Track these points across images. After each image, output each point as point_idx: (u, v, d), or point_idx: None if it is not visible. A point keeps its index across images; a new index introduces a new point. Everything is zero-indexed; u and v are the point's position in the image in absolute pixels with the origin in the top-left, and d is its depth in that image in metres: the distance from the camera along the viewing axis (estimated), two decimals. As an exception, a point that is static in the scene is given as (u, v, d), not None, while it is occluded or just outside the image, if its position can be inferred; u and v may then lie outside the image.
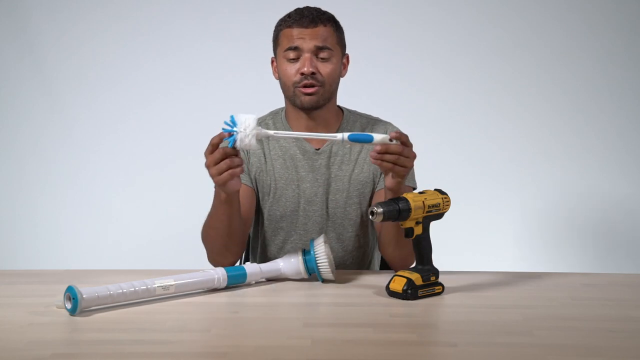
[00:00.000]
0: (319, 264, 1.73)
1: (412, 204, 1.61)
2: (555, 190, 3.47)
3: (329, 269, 1.73)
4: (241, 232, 1.87)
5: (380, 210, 1.59)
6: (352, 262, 2.02)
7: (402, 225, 1.64)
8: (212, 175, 1.68)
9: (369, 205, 1.99)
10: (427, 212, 1.64)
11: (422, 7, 3.42)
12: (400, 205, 1.60)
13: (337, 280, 1.76)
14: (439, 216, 1.68)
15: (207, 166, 1.68)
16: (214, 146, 1.66)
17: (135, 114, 3.49)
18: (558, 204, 3.47)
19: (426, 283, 1.63)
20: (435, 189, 1.69)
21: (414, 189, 1.96)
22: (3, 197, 3.52)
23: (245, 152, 1.97)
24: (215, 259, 1.89)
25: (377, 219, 1.60)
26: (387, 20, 3.41)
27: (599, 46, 3.41)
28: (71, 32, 3.46)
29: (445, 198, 1.67)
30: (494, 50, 3.43)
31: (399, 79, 3.42)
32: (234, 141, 1.62)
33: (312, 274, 1.76)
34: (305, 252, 1.77)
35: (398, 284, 1.62)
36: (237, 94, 3.39)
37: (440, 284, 1.66)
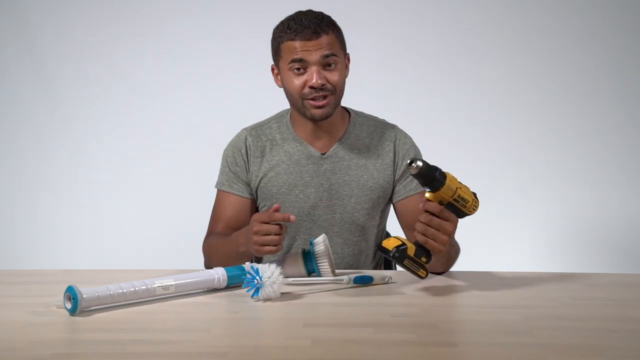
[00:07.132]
0: (319, 264, 1.73)
1: (447, 182, 1.57)
2: (555, 191, 3.47)
3: (329, 269, 1.73)
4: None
5: (420, 164, 1.54)
6: (355, 263, 2.01)
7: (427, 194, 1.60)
8: (254, 242, 1.69)
9: (382, 213, 2.00)
10: (454, 199, 1.60)
11: (422, 7, 3.42)
12: (437, 174, 1.56)
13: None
14: (460, 213, 1.63)
15: (254, 232, 1.68)
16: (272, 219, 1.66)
17: (135, 114, 3.49)
18: (558, 204, 3.47)
19: (415, 259, 1.59)
20: (472, 192, 1.65)
21: None
22: (3, 197, 3.52)
23: (245, 160, 1.95)
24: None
25: (413, 171, 1.55)
26: (387, 20, 3.41)
27: (600, 46, 3.41)
28: (71, 32, 3.47)
29: (475, 202, 1.63)
30: (495, 50, 3.43)
31: (399, 79, 3.42)
32: (258, 291, 1.58)
33: (312, 273, 1.76)
34: (305, 252, 1.76)
35: (392, 243, 1.58)
36: (238, 95, 3.40)
37: (426, 270, 1.62)
